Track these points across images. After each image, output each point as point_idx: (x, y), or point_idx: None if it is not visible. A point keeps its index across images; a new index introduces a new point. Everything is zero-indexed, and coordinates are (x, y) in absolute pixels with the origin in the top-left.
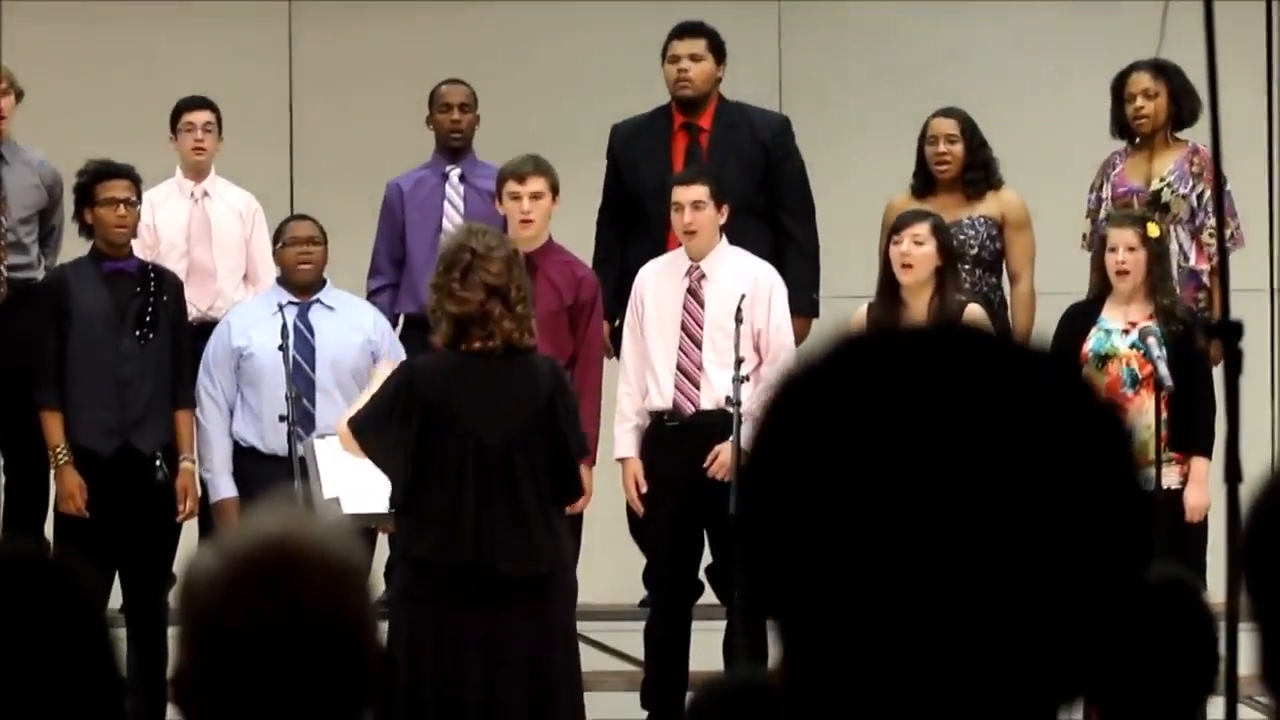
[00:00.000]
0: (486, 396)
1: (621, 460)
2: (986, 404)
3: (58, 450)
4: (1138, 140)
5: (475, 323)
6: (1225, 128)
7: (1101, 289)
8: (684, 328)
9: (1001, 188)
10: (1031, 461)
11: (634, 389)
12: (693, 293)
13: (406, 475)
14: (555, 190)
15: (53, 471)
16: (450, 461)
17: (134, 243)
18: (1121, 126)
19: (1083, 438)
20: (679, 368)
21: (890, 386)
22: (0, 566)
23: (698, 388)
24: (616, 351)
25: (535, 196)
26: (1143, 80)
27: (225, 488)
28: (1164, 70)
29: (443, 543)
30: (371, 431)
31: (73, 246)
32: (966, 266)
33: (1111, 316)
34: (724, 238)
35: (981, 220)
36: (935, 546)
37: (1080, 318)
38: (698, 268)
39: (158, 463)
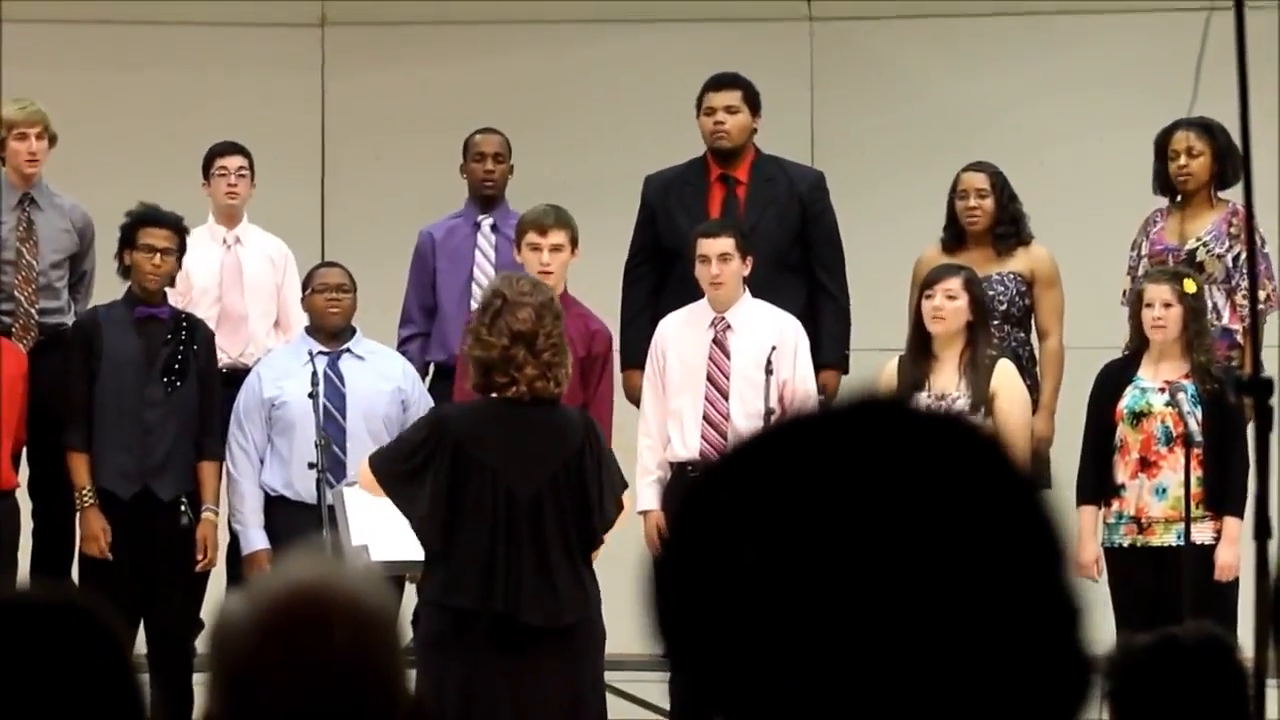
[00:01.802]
0: (517, 446)
1: (644, 513)
2: (901, 479)
3: (84, 492)
4: (1179, 198)
5: (497, 368)
6: (1261, 186)
7: (1138, 345)
8: (710, 379)
9: (1031, 243)
10: (952, 532)
11: (655, 441)
12: (718, 344)
13: (436, 520)
14: (575, 242)
15: (78, 513)
16: (483, 511)
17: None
18: (1164, 184)
19: (1000, 507)
20: (705, 418)
21: (807, 467)
22: (29, 611)
23: (725, 439)
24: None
25: (555, 249)
26: (1186, 138)
27: (257, 540)
28: (1209, 129)
29: (478, 593)
30: (390, 472)
31: (103, 292)
32: (995, 322)
33: (1147, 374)
34: (747, 289)
35: (1011, 276)
36: (855, 622)
37: (1116, 375)
38: (723, 319)
39: (183, 507)
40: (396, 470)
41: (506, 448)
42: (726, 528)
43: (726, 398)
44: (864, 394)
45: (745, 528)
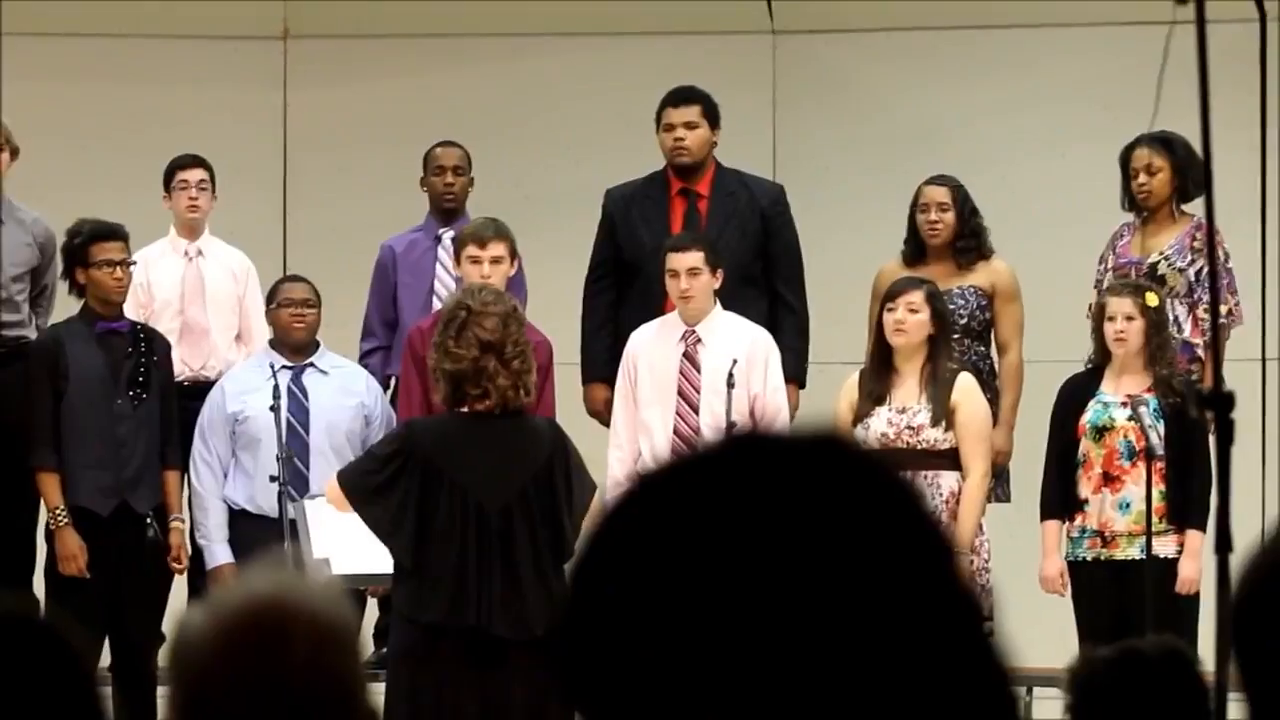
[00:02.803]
0: (486, 460)
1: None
2: (775, 507)
3: (57, 512)
4: (1144, 214)
5: (469, 379)
6: (1221, 197)
7: (1101, 359)
8: (680, 392)
9: (992, 257)
10: (835, 552)
11: (625, 454)
12: (689, 357)
13: (406, 536)
14: (514, 254)
15: (50, 532)
16: (453, 525)
17: (128, 302)
18: (1131, 200)
19: (877, 516)
20: (676, 431)
21: (678, 513)
22: None
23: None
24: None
25: (495, 261)
26: (1144, 156)
27: (222, 554)
28: (1167, 144)
29: (450, 608)
30: (359, 488)
31: (64, 306)
32: (956, 336)
33: (1109, 388)
34: (717, 303)
35: (971, 290)
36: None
37: (1079, 389)
38: (693, 332)
39: (149, 520)
40: (363, 485)
41: (475, 462)
42: (617, 581)
43: (697, 411)
44: (735, 433)
45: (635, 578)
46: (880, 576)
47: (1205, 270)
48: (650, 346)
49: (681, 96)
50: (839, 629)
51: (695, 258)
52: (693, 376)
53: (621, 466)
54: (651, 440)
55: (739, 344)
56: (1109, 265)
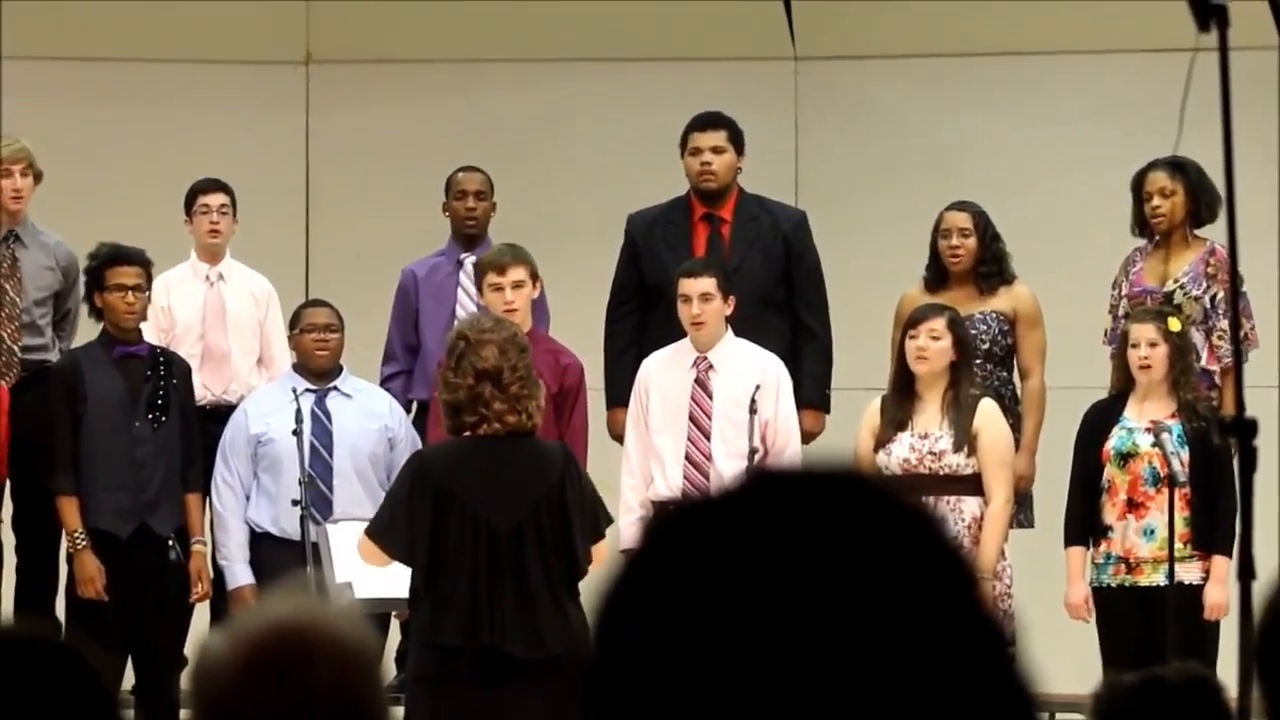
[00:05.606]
0: (496, 482)
1: (625, 552)
2: (803, 546)
3: (76, 535)
4: (1157, 238)
5: (465, 408)
6: (1242, 220)
7: (1125, 385)
8: (692, 418)
9: (1014, 282)
10: (863, 592)
11: (638, 480)
12: (700, 384)
13: (421, 559)
14: (535, 277)
15: (70, 556)
16: (464, 548)
17: (149, 326)
18: (1141, 225)
19: (901, 549)
20: (688, 458)
21: (712, 553)
22: (12, 648)
23: (707, 478)
24: None
25: (517, 285)
26: (1160, 179)
27: (242, 575)
28: (1182, 168)
29: (464, 629)
30: (390, 533)
31: (85, 330)
32: (978, 361)
33: (1133, 414)
34: (729, 329)
35: (994, 315)
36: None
37: (1103, 415)
38: (705, 359)
39: (170, 543)
40: (391, 520)
41: (485, 484)
42: (642, 621)
43: (709, 437)
44: (756, 470)
45: (662, 618)
46: (906, 609)
47: (1219, 296)
48: (661, 373)
49: (708, 121)
50: (866, 660)
51: (707, 283)
52: (704, 403)
53: (634, 493)
54: (663, 467)
55: (751, 371)
56: (1124, 292)
